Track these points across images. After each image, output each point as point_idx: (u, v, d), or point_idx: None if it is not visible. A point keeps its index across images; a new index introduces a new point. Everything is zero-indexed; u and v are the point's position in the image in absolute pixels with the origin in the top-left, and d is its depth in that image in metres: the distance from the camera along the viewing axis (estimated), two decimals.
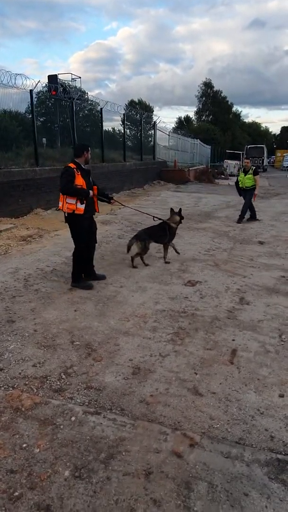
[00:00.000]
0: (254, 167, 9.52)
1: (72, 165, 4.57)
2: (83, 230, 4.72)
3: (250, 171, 9.34)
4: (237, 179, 9.67)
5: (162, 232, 5.80)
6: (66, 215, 4.62)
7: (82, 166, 4.67)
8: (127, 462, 2.11)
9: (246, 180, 9.40)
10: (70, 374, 2.93)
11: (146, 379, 2.88)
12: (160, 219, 5.92)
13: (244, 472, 2.06)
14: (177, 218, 5.97)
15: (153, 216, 5.95)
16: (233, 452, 2.20)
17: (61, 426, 2.37)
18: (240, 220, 9.59)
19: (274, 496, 1.92)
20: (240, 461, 2.14)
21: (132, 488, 1.95)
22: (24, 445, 2.21)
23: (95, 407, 2.56)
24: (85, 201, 4.58)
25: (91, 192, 4.66)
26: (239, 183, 9.56)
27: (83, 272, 4.94)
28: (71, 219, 4.63)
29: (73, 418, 2.44)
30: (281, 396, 2.71)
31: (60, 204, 4.63)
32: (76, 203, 4.53)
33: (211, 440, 2.29)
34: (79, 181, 4.53)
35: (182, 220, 6.05)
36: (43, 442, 2.24)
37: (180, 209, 6.03)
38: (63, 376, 2.90)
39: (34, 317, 3.92)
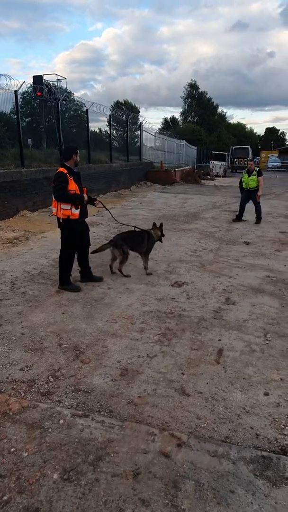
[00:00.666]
0: (258, 168, 9.68)
1: (63, 169, 4.52)
2: (76, 234, 4.73)
3: (254, 172, 9.46)
4: (241, 179, 9.85)
5: (140, 240, 5.40)
6: (61, 221, 4.58)
7: (73, 169, 4.65)
8: (116, 464, 2.13)
9: (250, 181, 9.52)
10: (58, 377, 2.94)
11: (134, 381, 2.91)
12: (142, 229, 5.59)
13: (230, 470, 2.11)
14: (158, 232, 5.60)
15: (134, 226, 5.64)
16: (220, 451, 2.24)
17: (50, 430, 2.38)
18: (237, 219, 9.93)
19: (259, 492, 1.97)
20: (227, 459, 2.18)
21: (121, 489, 1.98)
22: (12, 449, 2.21)
23: (83, 409, 2.58)
24: (79, 206, 4.58)
25: (85, 196, 4.66)
26: (243, 183, 9.73)
27: (80, 274, 4.99)
28: (66, 224, 4.61)
29: (61, 421, 2.45)
30: (266, 394, 2.77)
31: (55, 210, 4.60)
32: (71, 208, 4.53)
33: (198, 439, 2.33)
34: (72, 186, 4.52)
35: (162, 237, 5.67)
36: (32, 445, 2.25)
37: (162, 224, 5.73)
38: (51, 379, 2.91)
39: (21, 320, 3.91)
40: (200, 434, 2.37)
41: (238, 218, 9.99)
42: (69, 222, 4.58)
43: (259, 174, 9.44)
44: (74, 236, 4.72)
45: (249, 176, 9.53)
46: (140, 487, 1.99)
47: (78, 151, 4.72)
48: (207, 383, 2.89)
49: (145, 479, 2.04)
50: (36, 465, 2.11)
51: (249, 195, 9.68)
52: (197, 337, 3.62)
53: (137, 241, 5.39)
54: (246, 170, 9.72)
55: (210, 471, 2.10)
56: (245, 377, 2.97)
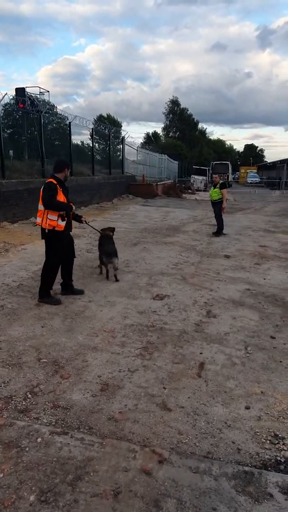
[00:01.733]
0: (221, 181, 10.02)
1: (53, 180, 4.52)
2: (61, 247, 4.68)
3: (218, 185, 9.83)
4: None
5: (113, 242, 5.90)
6: (47, 231, 4.52)
7: (63, 182, 4.65)
8: (95, 483, 2.07)
9: (213, 194, 9.94)
10: (36, 393, 2.85)
11: (115, 396, 2.85)
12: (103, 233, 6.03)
13: (212, 487, 2.08)
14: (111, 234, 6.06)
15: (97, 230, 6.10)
16: (201, 467, 2.21)
17: (27, 449, 2.29)
18: (218, 233, 10.09)
19: (242, 509, 1.95)
20: (208, 475, 2.15)
21: (101, 510, 1.91)
22: None
23: (62, 426, 2.50)
24: (66, 218, 4.57)
25: (73, 206, 4.70)
26: (210, 196, 10.15)
27: (61, 286, 4.95)
28: (51, 235, 4.55)
29: (39, 440, 2.37)
30: (247, 408, 2.76)
31: (39, 220, 4.54)
32: (57, 219, 4.50)
33: (180, 455, 2.29)
34: (61, 197, 4.53)
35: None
36: (7, 466, 2.16)
37: (114, 229, 6.27)
38: (29, 396, 2.82)
39: None
40: (181, 450, 2.33)
41: (219, 231, 10.21)
42: (54, 233, 4.54)
43: (222, 186, 9.82)
44: (60, 249, 4.68)
45: (214, 188, 9.95)
46: (120, 507, 1.93)
47: (69, 166, 4.79)
48: (189, 397, 2.86)
49: (125, 499, 1.98)
50: (11, 487, 2.02)
51: (213, 207, 10.10)
52: (178, 350, 3.59)
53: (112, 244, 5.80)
54: (213, 183, 10.16)
55: (192, 488, 2.06)
56: (227, 391, 2.96)
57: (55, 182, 4.52)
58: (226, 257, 7.53)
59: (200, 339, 3.85)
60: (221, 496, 2.02)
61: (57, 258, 4.70)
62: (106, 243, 5.75)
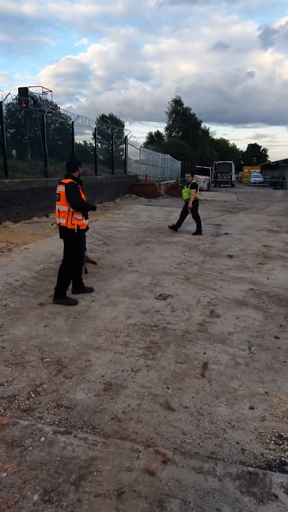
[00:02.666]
0: (193, 181, 10.02)
1: (72, 180, 4.54)
2: (82, 245, 4.83)
3: (189, 185, 9.90)
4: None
5: None
6: (76, 231, 4.56)
7: (80, 180, 4.71)
8: (99, 483, 2.06)
9: (184, 193, 10.02)
10: (39, 393, 2.85)
11: (118, 395, 2.84)
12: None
13: (216, 487, 2.06)
14: None
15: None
16: (205, 467, 2.19)
17: (30, 448, 2.28)
18: (197, 232, 10.07)
19: (246, 510, 1.93)
20: (212, 476, 2.14)
21: (104, 510, 1.90)
22: None
23: (66, 426, 2.50)
24: (88, 216, 4.75)
25: (96, 206, 4.89)
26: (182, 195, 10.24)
27: (72, 284, 4.96)
28: (76, 235, 4.61)
29: (42, 439, 2.36)
30: (251, 408, 2.75)
31: (63, 221, 4.53)
32: (82, 218, 4.63)
33: (184, 455, 2.28)
34: (83, 196, 4.63)
35: None
36: (11, 465, 2.15)
37: None
38: (32, 395, 2.82)
39: (2, 333, 3.80)
40: (185, 450, 2.32)
41: (175, 227, 10.25)
42: (79, 231, 4.65)
43: (192, 186, 9.84)
44: (81, 246, 4.83)
45: (186, 188, 10.01)
46: (124, 507, 1.92)
47: (81, 165, 4.87)
48: (192, 397, 2.85)
49: (129, 499, 1.97)
50: (15, 486, 2.02)
51: (184, 206, 10.12)
52: (182, 350, 3.58)
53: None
54: (186, 183, 10.19)
55: (196, 489, 2.05)
56: (230, 391, 2.95)
57: (75, 182, 4.54)
58: (230, 256, 7.50)
59: (204, 339, 3.84)
60: (225, 497, 2.00)
61: (78, 256, 4.83)
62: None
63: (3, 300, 4.70)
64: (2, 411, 2.62)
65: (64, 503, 1.93)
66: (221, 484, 2.08)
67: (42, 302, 4.66)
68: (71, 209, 4.48)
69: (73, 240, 4.64)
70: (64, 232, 4.60)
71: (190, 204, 9.82)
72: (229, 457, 2.29)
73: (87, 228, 4.92)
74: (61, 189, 4.50)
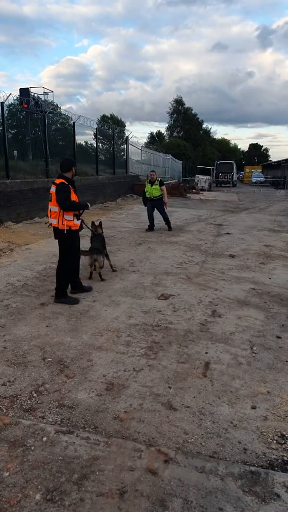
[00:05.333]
0: (159, 179, 10.13)
1: (63, 181, 4.54)
2: (75, 245, 4.79)
3: (157, 182, 9.92)
4: (144, 190, 10.22)
5: (101, 239, 5.92)
6: (65, 231, 4.56)
7: (72, 180, 4.70)
8: (101, 482, 2.06)
9: (154, 191, 9.97)
10: (41, 392, 2.85)
11: (120, 395, 2.85)
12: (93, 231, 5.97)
13: (219, 486, 2.06)
14: (100, 230, 6.06)
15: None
16: (208, 467, 2.19)
17: (32, 447, 2.29)
18: (150, 229, 10.18)
19: (248, 509, 1.93)
20: (215, 475, 2.14)
21: (106, 509, 1.91)
22: None
23: (68, 426, 2.50)
24: (80, 217, 4.70)
25: (89, 205, 4.83)
26: (147, 193, 10.08)
27: (70, 285, 4.97)
28: (67, 235, 4.60)
29: (44, 439, 2.37)
30: (253, 408, 2.74)
31: (55, 222, 4.56)
32: (73, 219, 4.59)
33: (186, 455, 2.28)
34: (73, 196, 4.58)
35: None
36: (13, 465, 2.16)
37: (100, 222, 6.23)
38: (34, 395, 2.82)
39: (3, 333, 3.80)
40: (187, 450, 2.32)
41: (150, 228, 10.24)
42: (71, 232, 4.62)
43: (161, 183, 9.95)
44: (75, 247, 4.79)
45: (151, 186, 9.98)
46: (126, 506, 1.92)
47: (76, 165, 4.86)
48: (194, 397, 2.85)
49: (131, 498, 1.97)
50: (17, 486, 2.02)
51: (154, 204, 10.09)
52: (183, 350, 3.58)
53: (101, 242, 5.83)
54: (148, 180, 10.19)
55: (198, 488, 2.05)
56: (232, 391, 2.95)
57: (66, 182, 4.54)
58: (231, 256, 7.50)
59: (205, 338, 3.83)
60: (227, 496, 2.00)
61: (73, 255, 4.80)
62: (94, 240, 5.83)
63: (5, 300, 4.71)
64: (5, 411, 2.63)
65: (67, 502, 1.93)
66: (223, 484, 2.08)
67: (43, 302, 4.66)
68: (61, 210, 4.51)
69: (66, 241, 4.66)
70: (56, 232, 4.67)
71: (166, 200, 10.04)
72: (231, 456, 2.29)
73: (81, 228, 4.85)
74: (53, 189, 4.55)
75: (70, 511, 1.89)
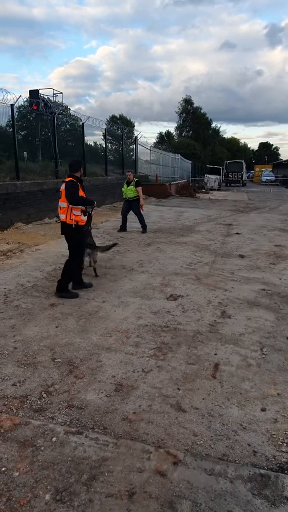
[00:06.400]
0: (136, 179, 9.82)
1: (72, 179, 4.83)
2: (83, 241, 5.02)
3: (132, 183, 9.63)
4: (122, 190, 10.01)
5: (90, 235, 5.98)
6: (73, 226, 4.80)
7: (81, 180, 4.97)
8: (110, 483, 2.07)
9: (128, 192, 9.69)
10: (51, 393, 2.87)
11: (129, 396, 2.85)
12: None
13: (228, 489, 2.05)
14: None
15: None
16: (217, 469, 2.18)
17: (42, 448, 2.31)
18: (122, 229, 9.95)
19: None
20: (224, 478, 2.12)
21: (115, 510, 1.91)
22: (3, 469, 2.14)
23: (77, 426, 2.51)
24: (87, 214, 4.94)
25: (95, 202, 5.05)
26: (123, 194, 9.89)
27: (73, 281, 5.16)
28: (75, 230, 4.84)
29: (54, 439, 2.38)
30: (263, 410, 2.72)
31: (63, 216, 4.82)
32: (80, 214, 4.82)
33: (195, 457, 2.27)
34: (81, 193, 4.85)
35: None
36: (23, 465, 2.18)
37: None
38: (44, 395, 2.84)
39: (14, 334, 3.84)
40: (196, 452, 2.31)
41: (122, 228, 10.01)
42: (78, 227, 4.85)
43: (137, 184, 9.63)
44: (82, 243, 5.02)
45: (127, 186, 9.71)
46: (135, 508, 1.93)
47: (83, 165, 5.17)
48: (204, 399, 2.84)
49: (140, 499, 1.97)
50: (27, 486, 2.04)
51: (129, 205, 9.83)
52: (192, 351, 3.57)
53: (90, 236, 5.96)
54: (126, 181, 9.88)
55: (207, 491, 2.04)
56: (242, 392, 2.93)
57: (74, 180, 4.83)
58: (241, 257, 7.45)
59: (215, 339, 3.82)
60: (237, 499, 1.99)
61: (81, 251, 5.04)
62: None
63: (15, 300, 4.75)
64: (15, 411, 2.65)
65: (76, 503, 1.94)
66: (232, 486, 2.07)
67: (53, 303, 4.70)
68: (70, 205, 4.75)
69: (73, 236, 4.90)
70: (64, 227, 4.92)
71: (142, 202, 9.77)
72: (240, 459, 2.27)
73: (88, 225, 5.08)
74: (62, 187, 4.84)
75: (79, 511, 1.90)
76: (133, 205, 9.79)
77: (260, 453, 2.31)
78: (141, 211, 9.89)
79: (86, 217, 4.95)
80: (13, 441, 2.36)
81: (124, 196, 9.88)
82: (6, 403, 2.74)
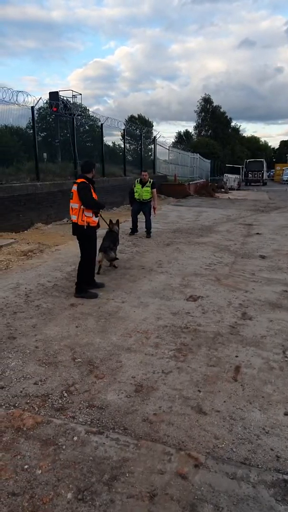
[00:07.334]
0: (152, 180, 9.33)
1: (84, 180, 4.86)
2: (94, 242, 5.07)
3: (148, 184, 9.14)
4: (132, 189, 9.34)
5: (115, 236, 6.41)
6: (85, 227, 4.84)
7: (93, 181, 5.01)
8: (131, 484, 2.07)
9: (144, 193, 9.17)
10: (72, 392, 2.90)
11: (149, 397, 2.85)
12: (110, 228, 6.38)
13: (250, 494, 2.02)
14: (116, 228, 6.53)
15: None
16: (239, 473, 2.15)
17: (63, 447, 2.33)
18: (132, 233, 9.51)
19: None
20: (246, 482, 2.09)
21: (136, 511, 1.91)
22: (26, 467, 2.17)
23: (98, 426, 2.53)
24: (98, 215, 5.01)
25: (104, 205, 5.12)
26: (135, 194, 9.26)
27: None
28: (86, 231, 4.89)
29: (75, 438, 2.40)
30: (287, 414, 2.67)
31: (75, 218, 4.86)
32: (92, 216, 4.88)
33: (216, 460, 2.24)
34: (94, 195, 4.89)
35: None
36: (45, 463, 2.20)
37: (118, 220, 6.65)
38: (65, 394, 2.87)
39: (35, 333, 3.90)
40: (218, 455, 2.29)
41: (133, 231, 9.55)
42: (89, 228, 4.89)
43: (153, 186, 9.18)
44: (94, 244, 5.07)
45: (142, 187, 9.15)
46: (156, 509, 1.92)
47: (95, 166, 5.22)
48: (225, 401, 2.80)
49: (161, 501, 1.97)
50: (50, 484, 2.06)
51: (140, 206, 9.33)
52: (213, 353, 3.54)
53: (114, 239, 6.33)
54: (139, 180, 9.32)
55: (229, 495, 2.01)
56: (264, 396, 2.88)
57: (87, 182, 4.85)
58: (262, 257, 7.34)
59: (236, 341, 3.77)
60: (260, 505, 1.96)
61: (93, 252, 5.07)
62: (106, 237, 6.22)
63: (36, 300, 4.82)
64: (37, 409, 2.69)
65: (97, 502, 1.95)
66: (255, 491, 2.04)
67: (73, 303, 4.74)
68: (82, 206, 4.78)
69: (85, 237, 4.96)
70: (75, 228, 4.96)
71: (155, 205, 9.39)
72: (263, 463, 2.23)
73: (98, 226, 5.16)
74: (74, 188, 4.86)
75: (101, 511, 1.90)
76: (145, 206, 9.31)
77: (283, 458, 2.27)
78: (153, 214, 9.47)
79: (97, 218, 5.01)
80: (36, 439, 2.39)
81: (137, 197, 9.26)
82: (28, 401, 2.78)
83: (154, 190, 9.28)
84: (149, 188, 9.17)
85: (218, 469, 2.18)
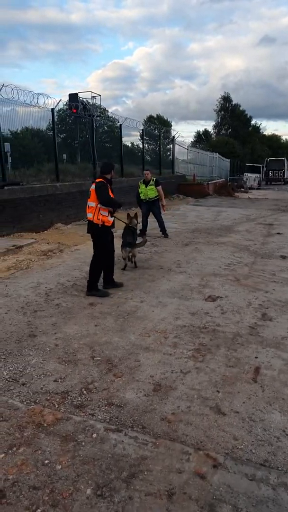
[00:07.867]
0: (155, 178, 9.15)
1: (103, 180, 4.95)
2: (108, 241, 5.08)
3: (151, 182, 8.97)
4: (138, 191, 9.19)
5: (132, 232, 6.48)
6: (100, 226, 4.89)
7: (111, 182, 5.08)
8: (149, 482, 2.08)
9: (149, 192, 9.01)
10: (91, 390, 2.93)
11: (167, 396, 2.85)
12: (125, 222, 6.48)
13: (270, 496, 2.00)
14: (135, 221, 6.64)
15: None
16: (258, 475, 2.13)
17: (83, 443, 2.36)
18: (142, 234, 8.82)
19: None
20: (266, 484, 2.07)
21: (155, 509, 1.92)
22: (46, 461, 2.21)
23: (116, 424, 2.55)
24: (114, 214, 5.05)
25: (121, 205, 5.17)
26: (141, 194, 9.11)
27: (103, 280, 5.26)
28: (101, 230, 4.94)
29: (94, 435, 2.43)
30: None
31: (91, 216, 4.94)
32: (108, 215, 4.92)
33: (235, 461, 2.23)
34: (111, 194, 4.97)
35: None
36: (65, 458, 2.24)
37: (136, 214, 6.78)
38: (84, 392, 2.91)
39: (55, 331, 3.96)
40: (237, 456, 2.27)
41: (143, 232, 9.09)
42: (104, 227, 4.94)
43: (156, 183, 8.97)
44: (107, 243, 5.07)
45: (146, 186, 8.99)
46: (174, 508, 1.93)
47: (114, 168, 5.33)
48: (244, 403, 2.78)
49: (179, 500, 1.97)
50: (69, 479, 2.09)
51: (149, 206, 9.14)
52: (232, 353, 3.51)
53: (133, 235, 6.43)
54: (142, 180, 9.19)
55: (248, 496, 2.00)
56: (285, 398, 2.84)
57: (104, 181, 4.93)
58: (282, 257, 7.22)
59: (255, 342, 3.73)
60: (279, 507, 1.94)
61: (106, 251, 5.07)
62: (125, 234, 6.35)
63: (55, 299, 4.90)
64: (57, 406, 2.73)
65: (116, 499, 1.97)
66: (275, 493, 2.01)
67: (92, 302, 4.79)
68: (98, 205, 4.85)
69: (99, 235, 5.00)
70: (91, 226, 5.02)
71: (164, 202, 9.26)
72: (283, 466, 2.20)
73: (113, 225, 5.20)
74: (92, 187, 4.96)
75: (120, 508, 1.92)
76: (153, 206, 9.15)
77: None
78: (163, 212, 9.34)
79: (113, 218, 5.06)
80: (56, 435, 2.43)
81: (143, 197, 9.09)
82: (49, 398, 2.83)
83: (159, 187, 9.06)
84: (153, 186, 8.99)
85: (237, 470, 2.17)
